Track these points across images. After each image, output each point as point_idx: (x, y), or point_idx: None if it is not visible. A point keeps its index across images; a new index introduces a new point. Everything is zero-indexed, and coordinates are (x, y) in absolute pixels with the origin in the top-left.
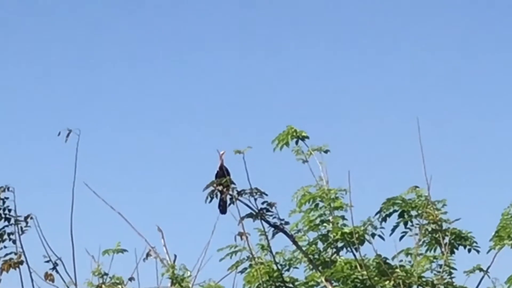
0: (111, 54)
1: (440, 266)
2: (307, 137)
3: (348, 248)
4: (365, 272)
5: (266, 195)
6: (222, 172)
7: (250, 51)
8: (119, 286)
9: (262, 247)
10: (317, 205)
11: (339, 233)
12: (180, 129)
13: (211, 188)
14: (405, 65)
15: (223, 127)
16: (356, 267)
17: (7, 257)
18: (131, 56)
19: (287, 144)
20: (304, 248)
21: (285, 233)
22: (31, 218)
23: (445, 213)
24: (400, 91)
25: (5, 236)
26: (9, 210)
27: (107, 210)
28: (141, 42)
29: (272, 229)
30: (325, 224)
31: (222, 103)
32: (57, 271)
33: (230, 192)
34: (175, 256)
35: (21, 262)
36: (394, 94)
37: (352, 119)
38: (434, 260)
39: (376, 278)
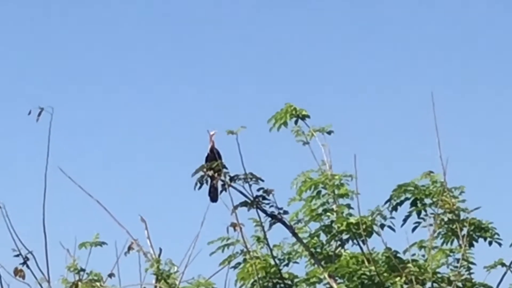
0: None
1: (458, 260)
2: (308, 116)
3: (354, 241)
4: (373, 268)
5: (262, 181)
6: (213, 155)
7: (247, 19)
8: (98, 283)
9: (258, 239)
10: (319, 192)
11: (344, 223)
12: (165, 108)
13: (201, 173)
14: (418, 34)
15: (214, 105)
16: (363, 261)
17: None
18: (110, 26)
19: (285, 124)
20: (305, 241)
21: (284, 223)
22: None
23: (463, 201)
24: (413, 61)
25: None
26: None
27: (84, 198)
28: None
29: (269, 219)
30: (328, 213)
31: (213, 79)
32: (28, 267)
33: (222, 178)
34: (160, 249)
35: None
36: (405, 66)
37: (358, 97)
38: (451, 254)
39: (385, 274)
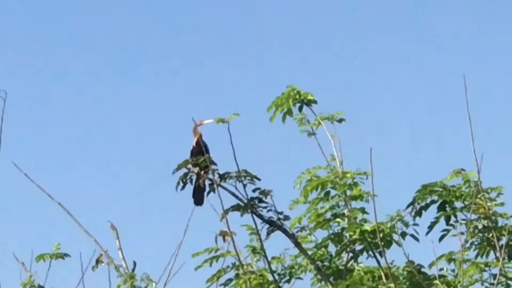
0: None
1: (494, 276)
2: (315, 102)
3: (370, 252)
4: (392, 285)
5: (259, 179)
6: (199, 149)
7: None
8: None
9: (253, 250)
10: (328, 193)
11: (358, 231)
12: (142, 91)
13: (184, 170)
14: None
15: (202, 88)
16: (380, 278)
17: None
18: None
19: (289, 112)
20: (310, 252)
21: (284, 231)
22: None
23: (501, 204)
24: (437, 42)
25: None
26: None
27: (43, 200)
28: None
29: (267, 226)
30: (338, 219)
31: (201, 60)
32: None
33: (210, 176)
34: (135, 263)
35: None
36: (427, 44)
37: (372, 80)
38: (486, 269)
39: None
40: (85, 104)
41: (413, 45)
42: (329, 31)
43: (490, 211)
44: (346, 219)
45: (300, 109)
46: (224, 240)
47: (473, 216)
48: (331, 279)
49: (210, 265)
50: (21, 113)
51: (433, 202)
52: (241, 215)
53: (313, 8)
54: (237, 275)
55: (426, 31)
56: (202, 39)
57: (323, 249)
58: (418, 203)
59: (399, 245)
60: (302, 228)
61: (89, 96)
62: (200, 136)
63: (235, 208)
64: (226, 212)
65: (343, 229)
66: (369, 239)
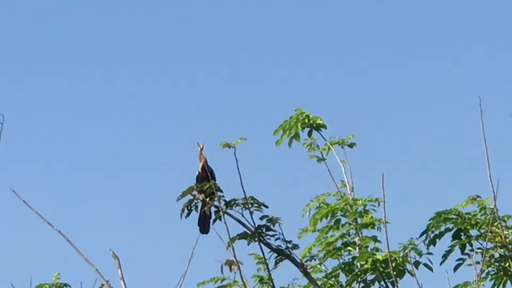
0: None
1: None
2: (324, 126)
3: (382, 283)
4: None
5: (266, 207)
6: (205, 175)
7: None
8: None
9: (261, 280)
10: (338, 221)
11: (369, 261)
12: (147, 116)
13: (189, 197)
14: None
15: (207, 113)
16: None
17: None
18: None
19: (297, 136)
20: (319, 282)
21: (293, 260)
22: None
23: None
24: (451, 63)
25: None
26: None
27: (42, 227)
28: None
29: (275, 255)
30: (349, 248)
31: (208, 81)
32: None
33: (216, 203)
34: None
35: None
36: (439, 64)
37: (384, 103)
38: None
39: None
40: (88, 129)
41: (425, 64)
42: (338, 54)
43: (507, 240)
44: (357, 248)
45: (310, 133)
46: (230, 269)
47: (489, 245)
48: None
49: None
50: (19, 135)
51: (447, 230)
52: (248, 244)
53: (323, 29)
54: None
55: (435, 51)
56: (208, 59)
57: (333, 279)
58: (432, 231)
59: (412, 275)
60: (312, 257)
61: (91, 120)
62: (205, 161)
63: (242, 236)
64: (232, 240)
65: (354, 258)
66: (381, 269)
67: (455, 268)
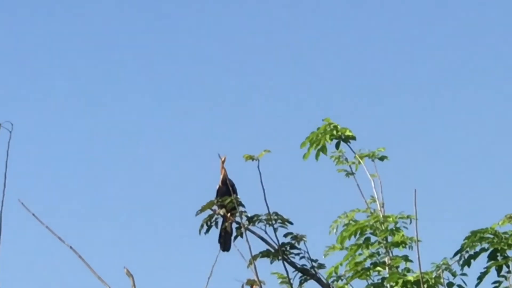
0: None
1: None
2: (353, 138)
3: None
4: None
5: (291, 223)
6: (226, 189)
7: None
8: None
9: None
10: (367, 239)
11: (400, 282)
12: (167, 127)
13: (209, 211)
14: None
15: (228, 124)
16: None
17: None
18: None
19: (324, 149)
20: None
21: (319, 280)
22: None
23: None
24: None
25: None
26: None
27: (53, 242)
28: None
29: (300, 274)
30: (378, 268)
31: (229, 92)
32: None
33: (237, 219)
34: None
35: None
36: (474, 75)
37: (416, 115)
38: None
39: None
40: (98, 142)
41: (455, 75)
42: (367, 63)
43: None
44: (387, 268)
45: (337, 146)
46: None
47: None
48: None
49: None
50: (28, 147)
51: (483, 250)
52: (271, 262)
53: (352, 36)
54: None
55: (470, 61)
56: (229, 69)
57: None
58: (467, 251)
59: None
60: (339, 278)
61: (100, 134)
62: (226, 174)
63: (265, 254)
64: (254, 258)
65: (383, 279)
66: None
67: None
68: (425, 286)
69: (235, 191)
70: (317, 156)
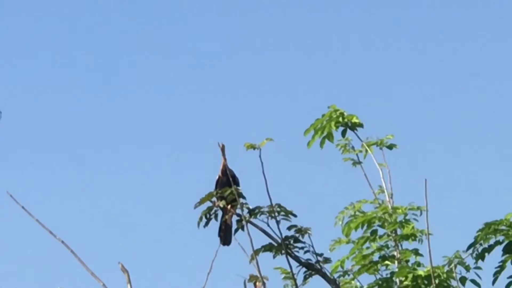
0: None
1: None
2: (361, 125)
3: None
4: None
5: (295, 216)
6: (226, 179)
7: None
8: None
9: None
10: (375, 232)
11: (410, 276)
12: (163, 115)
13: (208, 203)
14: None
15: (228, 111)
16: None
17: None
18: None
19: (330, 136)
20: None
21: (324, 275)
22: None
23: None
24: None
25: None
26: None
27: (43, 236)
28: None
29: (304, 269)
30: (387, 262)
31: (229, 79)
32: None
33: (238, 211)
34: None
35: None
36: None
37: (427, 102)
38: None
39: None
40: (91, 131)
41: (467, 60)
42: (374, 47)
43: None
44: (396, 262)
45: (344, 133)
46: (255, 286)
47: None
48: None
49: None
50: (18, 134)
51: (498, 243)
52: (274, 257)
53: (355, 20)
54: None
55: (484, 45)
56: (230, 55)
57: None
58: (481, 244)
59: None
60: (345, 272)
61: (93, 122)
62: (226, 164)
63: (267, 248)
64: (256, 252)
65: (392, 273)
66: (422, 286)
67: (507, 287)
68: (437, 281)
69: (236, 182)
70: (321, 143)
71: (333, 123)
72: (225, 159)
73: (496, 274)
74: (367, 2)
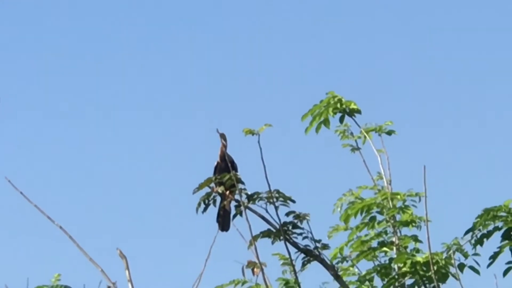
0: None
1: None
2: (359, 111)
3: (422, 287)
4: None
5: (293, 201)
6: (225, 165)
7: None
8: None
9: (286, 283)
10: (373, 218)
11: (408, 263)
12: (156, 102)
13: (207, 189)
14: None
15: (227, 97)
16: None
17: None
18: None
19: (326, 122)
20: (352, 287)
21: (322, 262)
22: None
23: None
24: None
25: None
26: None
27: (41, 222)
28: None
29: (302, 255)
30: (386, 248)
31: (229, 65)
32: None
33: (237, 197)
34: None
35: None
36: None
37: (424, 86)
38: None
39: None
40: (90, 119)
41: (465, 48)
42: (374, 33)
43: None
44: (394, 248)
45: (341, 119)
46: (253, 272)
47: None
48: None
49: None
50: (18, 122)
51: (496, 229)
52: (272, 243)
53: (352, 10)
54: None
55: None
56: (229, 44)
57: (367, 282)
58: (479, 230)
59: (457, 278)
60: (344, 259)
61: (92, 113)
62: (225, 149)
63: (266, 234)
64: (255, 238)
65: (391, 260)
66: (421, 272)
67: (505, 272)
68: (435, 267)
69: (234, 168)
70: (317, 129)
71: (331, 109)
72: (224, 145)
73: (493, 258)
74: None
